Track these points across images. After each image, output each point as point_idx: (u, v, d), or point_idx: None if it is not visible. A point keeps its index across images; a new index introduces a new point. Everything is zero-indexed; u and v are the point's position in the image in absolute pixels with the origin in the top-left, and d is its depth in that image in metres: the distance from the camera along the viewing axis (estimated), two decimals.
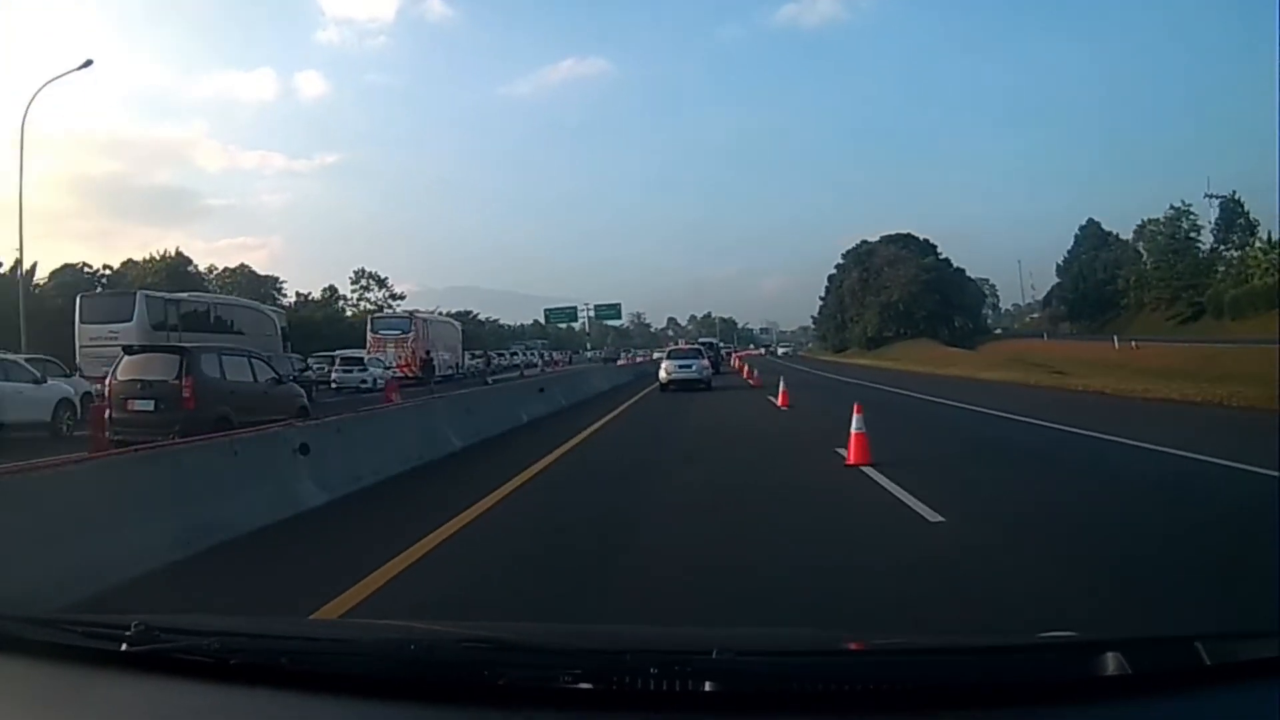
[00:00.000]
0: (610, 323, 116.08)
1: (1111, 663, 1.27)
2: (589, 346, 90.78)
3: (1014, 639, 1.77)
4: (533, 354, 70.72)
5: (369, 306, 74.52)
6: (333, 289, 76.89)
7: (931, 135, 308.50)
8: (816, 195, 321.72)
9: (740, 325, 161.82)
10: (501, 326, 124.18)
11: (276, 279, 72.73)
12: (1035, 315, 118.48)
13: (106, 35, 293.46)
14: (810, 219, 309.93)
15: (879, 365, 50.46)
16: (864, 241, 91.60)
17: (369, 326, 38.54)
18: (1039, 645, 1.56)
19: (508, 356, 62.03)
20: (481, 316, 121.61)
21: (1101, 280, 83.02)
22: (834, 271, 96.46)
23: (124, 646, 1.52)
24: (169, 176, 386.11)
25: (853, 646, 1.63)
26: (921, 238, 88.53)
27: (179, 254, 61.09)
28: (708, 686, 1.32)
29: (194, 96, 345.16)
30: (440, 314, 53.70)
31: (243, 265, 72.55)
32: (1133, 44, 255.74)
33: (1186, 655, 1.31)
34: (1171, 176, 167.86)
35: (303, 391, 15.83)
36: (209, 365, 12.13)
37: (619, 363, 57.89)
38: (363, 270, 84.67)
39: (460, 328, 49.66)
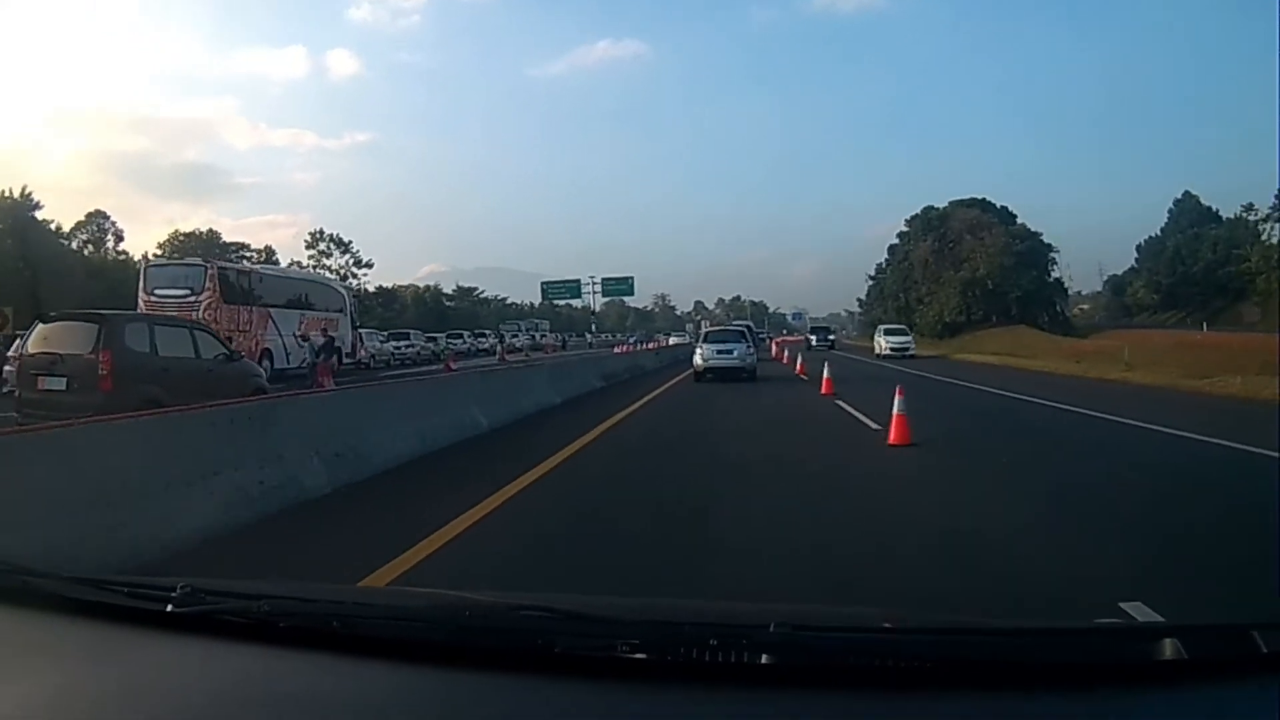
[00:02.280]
0: (630, 303, 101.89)
1: (1169, 648, 1.29)
2: (594, 329, 74.96)
3: (1073, 623, 1.81)
4: (511, 336, 55.19)
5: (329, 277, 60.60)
6: (269, 250, 61.75)
7: (963, 122, 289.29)
8: (849, 181, 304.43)
9: (771, 310, 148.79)
10: (507, 305, 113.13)
11: (244, 245, 68.06)
12: (1084, 306, 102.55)
13: (136, 9, 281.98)
14: (842, 204, 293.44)
15: (1029, 366, 30.78)
16: (931, 207, 74.37)
17: (141, 282, 21.55)
18: (1098, 629, 1.61)
19: (466, 339, 46.50)
20: (488, 294, 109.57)
21: (1213, 262, 67.13)
22: (895, 241, 78.95)
23: (169, 608, 1.49)
24: (198, 153, 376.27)
25: (914, 625, 1.62)
26: (999, 204, 71.45)
27: (24, 195, 45.76)
28: (764, 660, 1.30)
29: (224, 73, 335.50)
30: (315, 269, 36.53)
31: (210, 230, 67.05)
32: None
33: (1243, 643, 1.33)
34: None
35: (261, 371, 14.00)
36: (135, 337, 10.70)
37: (616, 350, 42.23)
38: (320, 232, 71.47)
39: (347, 295, 30.76)
